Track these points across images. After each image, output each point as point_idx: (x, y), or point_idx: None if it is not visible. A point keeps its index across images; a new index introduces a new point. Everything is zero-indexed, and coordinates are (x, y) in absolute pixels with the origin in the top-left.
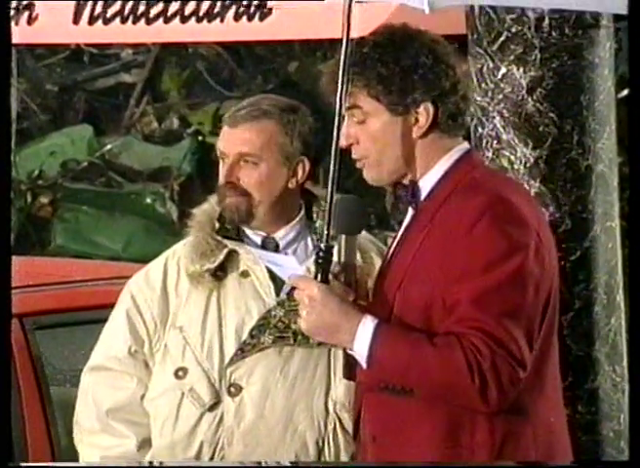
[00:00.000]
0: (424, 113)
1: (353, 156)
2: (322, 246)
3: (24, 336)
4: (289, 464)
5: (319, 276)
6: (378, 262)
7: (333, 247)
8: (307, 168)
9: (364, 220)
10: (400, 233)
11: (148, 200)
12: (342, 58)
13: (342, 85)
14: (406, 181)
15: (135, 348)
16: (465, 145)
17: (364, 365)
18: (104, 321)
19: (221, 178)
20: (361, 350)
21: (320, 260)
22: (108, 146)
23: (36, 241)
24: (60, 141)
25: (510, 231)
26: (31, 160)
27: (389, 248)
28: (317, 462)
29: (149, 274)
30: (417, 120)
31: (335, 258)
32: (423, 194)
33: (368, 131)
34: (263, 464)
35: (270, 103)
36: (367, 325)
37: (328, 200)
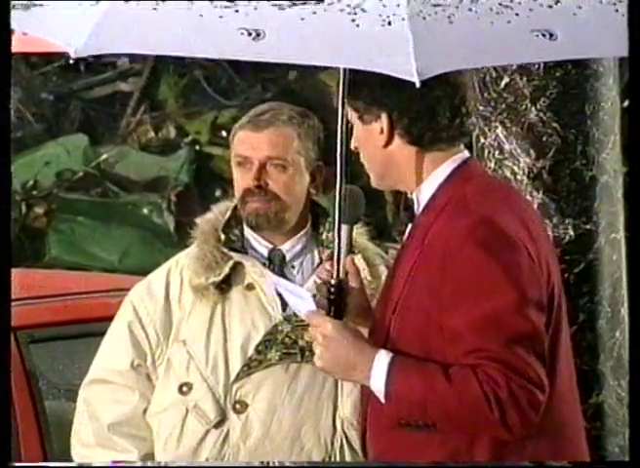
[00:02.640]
0: (383, 123)
1: None
2: (333, 281)
3: (18, 350)
4: (290, 464)
5: (332, 312)
6: (384, 275)
7: (345, 282)
8: (324, 174)
9: (363, 211)
10: (399, 249)
11: (145, 210)
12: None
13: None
14: (403, 191)
15: (137, 361)
16: (462, 155)
17: (382, 400)
18: (100, 334)
19: (248, 182)
20: (378, 386)
21: (332, 296)
22: (104, 156)
23: (31, 252)
24: (55, 151)
25: (499, 256)
26: (26, 170)
27: (392, 266)
28: (318, 462)
29: (151, 285)
30: (382, 130)
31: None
32: (420, 208)
33: (355, 137)
34: (265, 464)
35: (289, 109)
36: (381, 360)
37: (335, 234)
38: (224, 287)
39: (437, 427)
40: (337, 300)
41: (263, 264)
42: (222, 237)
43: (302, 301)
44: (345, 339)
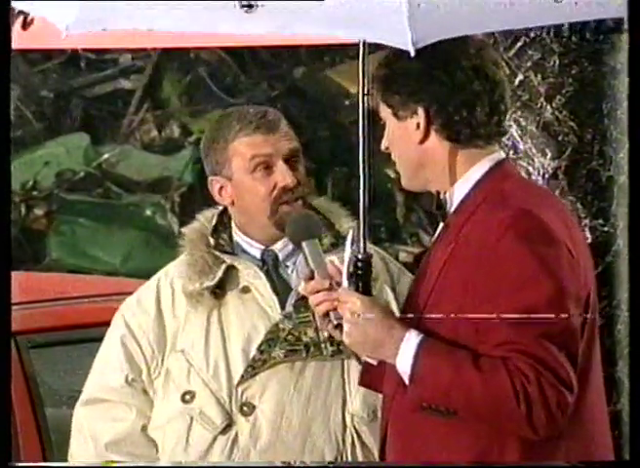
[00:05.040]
0: (420, 118)
1: None
2: (359, 256)
3: (18, 355)
4: (294, 464)
5: (360, 288)
6: (384, 273)
7: (371, 256)
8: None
9: (317, 227)
10: (429, 248)
11: (148, 212)
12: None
13: (363, 91)
14: (434, 191)
15: (132, 377)
16: (498, 155)
17: (406, 381)
18: (103, 339)
19: (285, 181)
20: (404, 366)
21: (359, 272)
22: (106, 156)
23: (30, 255)
24: (55, 151)
25: (539, 249)
26: (25, 170)
27: (421, 263)
28: (319, 462)
29: (141, 298)
30: (418, 125)
31: (304, 263)
32: (453, 206)
33: (387, 136)
34: (265, 464)
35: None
36: (411, 341)
37: (361, 210)
38: (219, 292)
39: (459, 414)
40: (364, 276)
41: (257, 266)
42: (212, 241)
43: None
44: (375, 316)
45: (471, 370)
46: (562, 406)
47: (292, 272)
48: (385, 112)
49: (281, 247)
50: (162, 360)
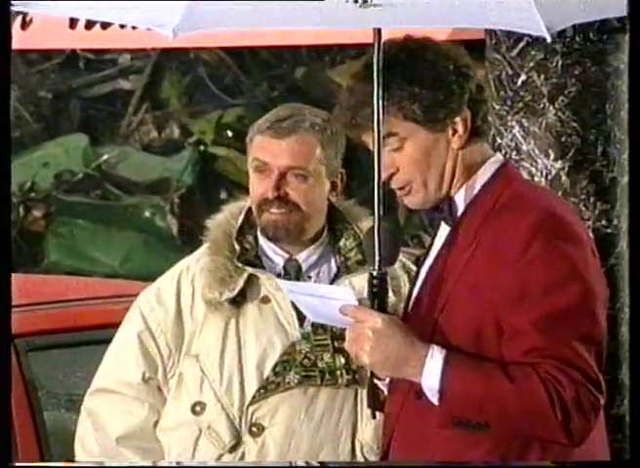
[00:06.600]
0: (461, 122)
1: (394, 185)
2: (375, 273)
3: (17, 358)
4: (293, 464)
5: (376, 306)
6: (402, 276)
7: (386, 273)
8: (345, 181)
9: (400, 248)
10: (435, 252)
11: (147, 213)
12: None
13: (377, 108)
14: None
15: (148, 375)
16: (500, 157)
17: (434, 400)
18: (102, 342)
19: (267, 191)
20: (431, 384)
21: (375, 289)
22: (105, 157)
23: (29, 257)
24: (53, 151)
25: (568, 251)
26: (23, 171)
27: (420, 267)
28: (320, 464)
29: (161, 293)
30: (455, 131)
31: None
32: (459, 210)
33: (408, 155)
34: (269, 464)
35: (312, 114)
36: (435, 357)
37: (375, 224)
38: (239, 299)
39: (491, 427)
40: (381, 293)
41: (278, 275)
42: (237, 248)
43: (330, 302)
44: (397, 334)
45: (503, 380)
46: (595, 408)
47: (314, 283)
48: (409, 130)
49: (305, 257)
50: (178, 359)
